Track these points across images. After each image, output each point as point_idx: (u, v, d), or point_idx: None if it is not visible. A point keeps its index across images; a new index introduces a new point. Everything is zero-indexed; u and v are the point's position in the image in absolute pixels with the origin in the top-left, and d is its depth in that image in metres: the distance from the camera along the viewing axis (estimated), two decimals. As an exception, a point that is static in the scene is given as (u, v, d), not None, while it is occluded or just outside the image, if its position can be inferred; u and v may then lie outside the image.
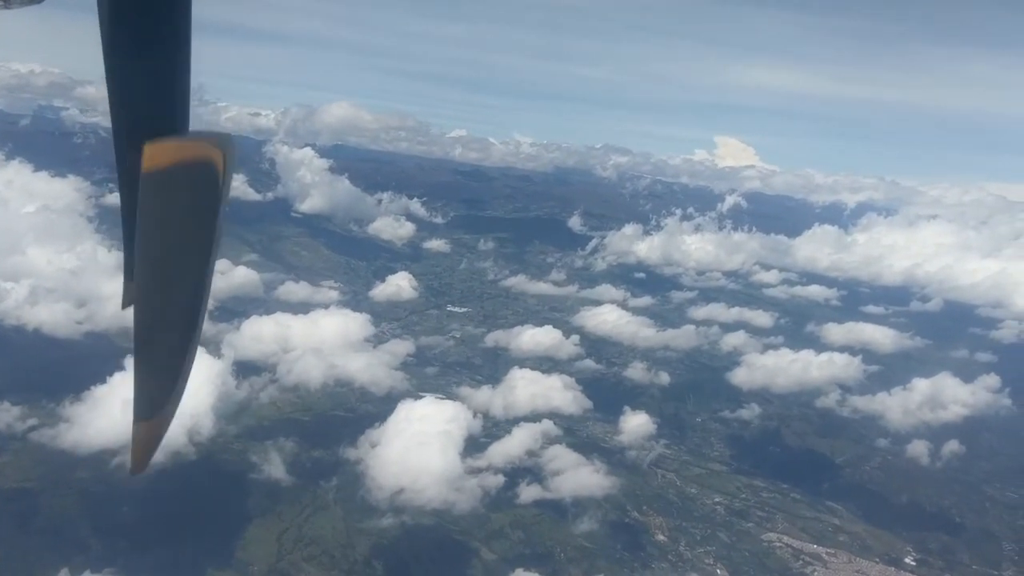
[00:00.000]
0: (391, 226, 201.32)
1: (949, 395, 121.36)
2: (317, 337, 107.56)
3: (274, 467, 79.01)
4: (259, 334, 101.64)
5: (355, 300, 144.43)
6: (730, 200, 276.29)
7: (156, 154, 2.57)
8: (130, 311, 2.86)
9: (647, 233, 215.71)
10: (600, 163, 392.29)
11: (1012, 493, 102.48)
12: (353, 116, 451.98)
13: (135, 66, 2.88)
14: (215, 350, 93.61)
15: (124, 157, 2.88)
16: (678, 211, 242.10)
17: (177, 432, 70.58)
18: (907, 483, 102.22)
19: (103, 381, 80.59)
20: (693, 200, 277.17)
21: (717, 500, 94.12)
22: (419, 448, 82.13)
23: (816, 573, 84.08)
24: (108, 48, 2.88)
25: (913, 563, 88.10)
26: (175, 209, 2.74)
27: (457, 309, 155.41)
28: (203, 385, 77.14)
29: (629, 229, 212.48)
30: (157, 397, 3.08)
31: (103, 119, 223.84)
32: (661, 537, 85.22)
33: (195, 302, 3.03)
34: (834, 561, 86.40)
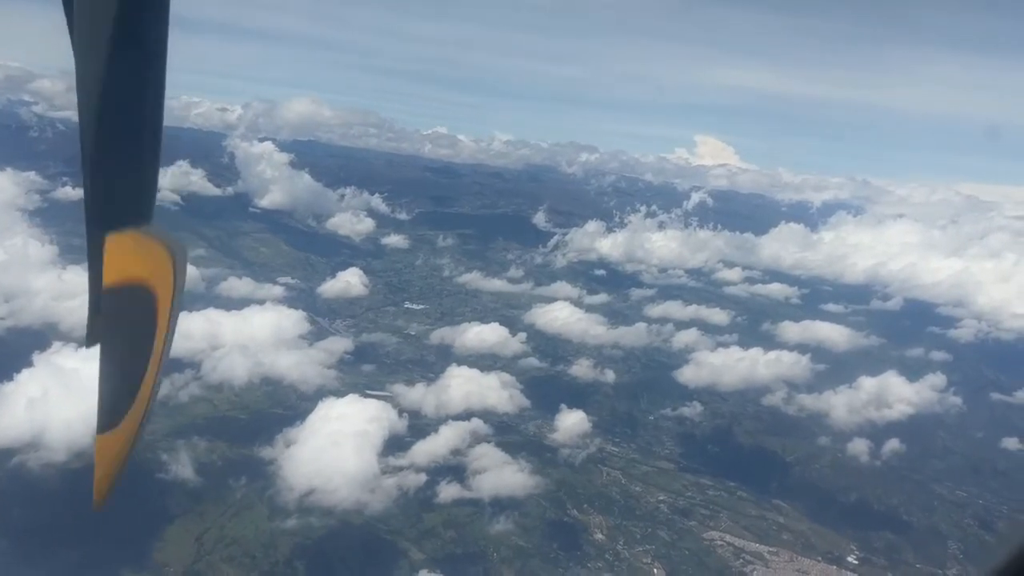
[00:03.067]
0: (349, 222, 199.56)
1: (898, 394, 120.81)
2: (249, 334, 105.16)
3: (192, 467, 76.93)
4: (187, 330, 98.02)
5: (303, 296, 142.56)
6: (695, 197, 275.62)
7: (116, 250, 2.90)
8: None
9: (610, 230, 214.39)
10: (571, 160, 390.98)
11: (961, 492, 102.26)
12: (314, 111, 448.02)
13: (111, 157, 3.04)
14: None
15: (91, 191, 3.06)
16: (643, 208, 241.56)
17: (83, 432, 68.50)
18: (855, 482, 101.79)
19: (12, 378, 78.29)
20: (660, 197, 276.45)
21: (661, 498, 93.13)
22: (335, 447, 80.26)
23: (756, 572, 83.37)
24: (86, 139, 2.99)
25: (856, 562, 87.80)
26: (132, 319, 3.12)
27: (415, 306, 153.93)
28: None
29: (592, 226, 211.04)
30: (120, 410, 3.27)
31: (61, 112, 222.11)
32: (599, 536, 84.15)
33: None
34: (775, 560, 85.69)
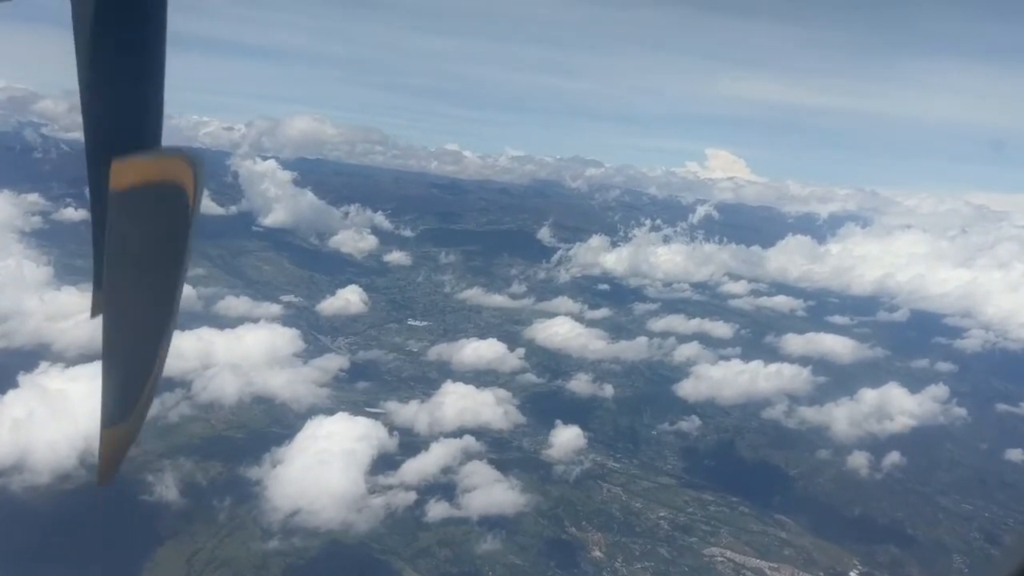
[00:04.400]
0: (352, 239, 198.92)
1: (902, 406, 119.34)
2: (241, 353, 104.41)
3: (183, 488, 76.42)
4: (178, 350, 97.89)
5: (305, 315, 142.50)
6: (701, 211, 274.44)
7: (123, 172, 2.59)
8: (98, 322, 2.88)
9: (615, 245, 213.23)
10: (576, 175, 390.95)
11: (967, 504, 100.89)
12: (317, 129, 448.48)
13: (109, 79, 2.91)
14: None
15: (95, 169, 2.88)
16: (647, 222, 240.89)
17: (67, 454, 68.22)
18: (860, 495, 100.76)
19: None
20: (666, 211, 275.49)
21: (662, 514, 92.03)
22: (323, 466, 79.68)
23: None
24: (82, 60, 2.90)
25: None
26: (143, 227, 2.76)
27: (418, 323, 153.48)
28: (99, 405, 73.68)
29: (596, 241, 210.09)
30: (123, 405, 3.09)
31: (64, 132, 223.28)
32: (597, 553, 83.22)
33: (163, 314, 3.05)
34: (776, 575, 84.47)
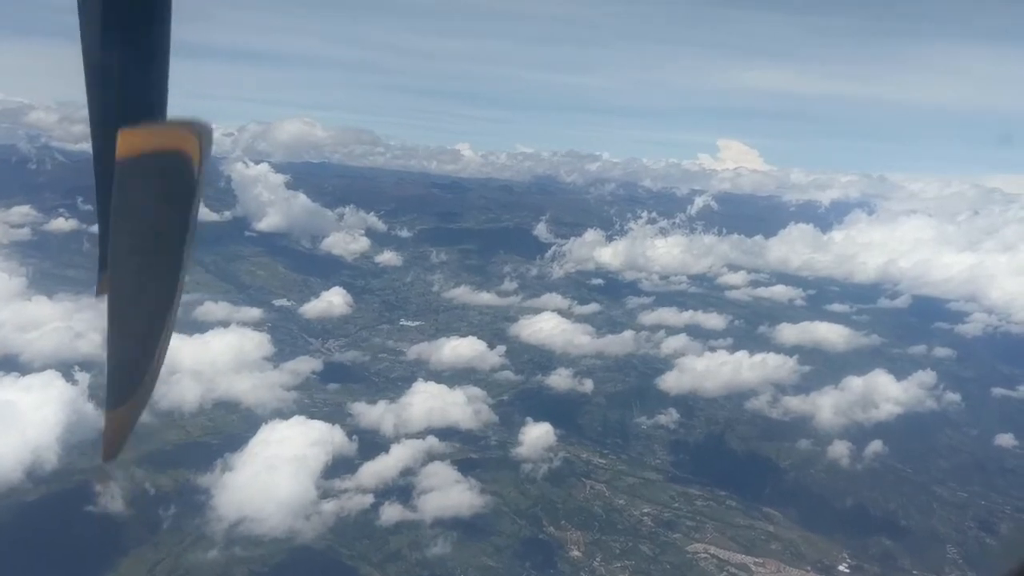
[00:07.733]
0: (344, 241, 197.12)
1: (889, 393, 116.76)
2: (209, 359, 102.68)
3: (134, 499, 74.72)
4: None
5: (291, 318, 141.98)
6: (699, 202, 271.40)
7: (130, 141, 2.64)
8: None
9: (611, 238, 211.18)
10: (573, 169, 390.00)
11: (962, 493, 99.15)
12: (307, 132, 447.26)
13: (113, 51, 2.92)
14: (68, 375, 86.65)
15: (100, 145, 2.94)
16: (644, 214, 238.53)
17: (13, 467, 66.83)
18: (851, 486, 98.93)
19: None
20: (666, 203, 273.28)
21: (646, 511, 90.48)
22: (269, 473, 78.15)
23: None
24: (87, 32, 2.93)
25: (847, 570, 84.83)
26: (149, 197, 2.80)
27: (410, 323, 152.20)
28: (49, 416, 71.71)
29: (591, 235, 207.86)
30: (128, 386, 3.09)
31: (58, 142, 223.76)
32: (576, 552, 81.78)
33: (168, 290, 3.05)
34: (761, 571, 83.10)
